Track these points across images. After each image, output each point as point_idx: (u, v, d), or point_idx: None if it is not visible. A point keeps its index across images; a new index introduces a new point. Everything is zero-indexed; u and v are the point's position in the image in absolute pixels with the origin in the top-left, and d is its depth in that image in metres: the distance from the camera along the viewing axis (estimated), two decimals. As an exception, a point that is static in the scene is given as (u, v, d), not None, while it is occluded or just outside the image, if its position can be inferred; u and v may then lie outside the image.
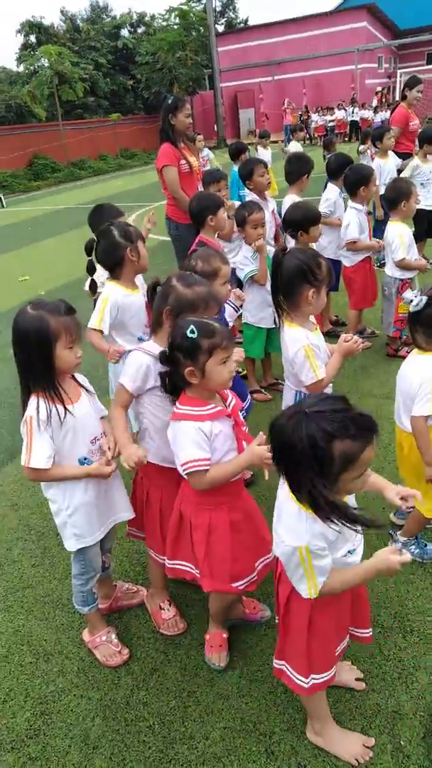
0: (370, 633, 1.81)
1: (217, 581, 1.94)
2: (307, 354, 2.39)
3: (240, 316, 3.74)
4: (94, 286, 3.10)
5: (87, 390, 2.07)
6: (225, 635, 2.19)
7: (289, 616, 1.67)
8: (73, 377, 2.04)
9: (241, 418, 1.96)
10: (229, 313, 2.92)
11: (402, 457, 2.46)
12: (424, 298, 2.18)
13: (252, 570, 1.99)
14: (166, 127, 4.85)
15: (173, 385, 1.91)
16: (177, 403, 1.88)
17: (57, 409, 1.89)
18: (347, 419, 1.33)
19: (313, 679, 1.67)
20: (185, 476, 1.84)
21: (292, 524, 1.48)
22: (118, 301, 2.73)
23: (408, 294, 2.46)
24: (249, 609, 2.31)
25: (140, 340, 2.76)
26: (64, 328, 1.85)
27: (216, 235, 3.75)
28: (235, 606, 2.25)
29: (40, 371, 1.88)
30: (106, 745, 1.91)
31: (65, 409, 1.90)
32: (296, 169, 4.59)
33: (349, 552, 1.59)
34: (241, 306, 3.07)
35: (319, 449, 1.31)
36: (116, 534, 2.30)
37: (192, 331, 1.76)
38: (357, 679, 2.02)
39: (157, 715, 1.98)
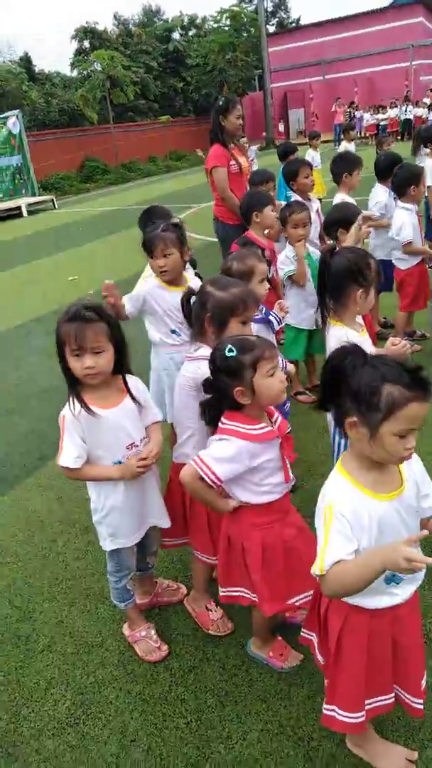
0: (421, 705, 1.61)
1: (277, 603, 1.91)
2: None
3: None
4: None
5: (134, 397, 2.01)
6: (279, 638, 2.17)
7: (326, 632, 1.63)
8: (124, 380, 2.00)
9: (287, 435, 1.92)
10: (273, 325, 2.90)
11: None
12: None
13: (312, 586, 1.95)
14: (216, 128, 4.88)
15: (214, 415, 1.86)
16: (223, 418, 1.83)
17: (87, 412, 1.88)
18: (403, 369, 1.33)
19: (336, 712, 1.59)
20: (183, 471, 1.83)
21: (328, 486, 1.47)
22: (148, 292, 2.80)
23: None
24: (289, 613, 2.28)
25: (173, 332, 2.82)
26: (67, 334, 1.81)
27: (266, 234, 3.76)
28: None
29: (64, 374, 1.90)
30: (143, 739, 1.93)
31: (90, 412, 1.88)
32: (341, 169, 4.54)
33: (393, 580, 1.49)
34: (284, 318, 3.04)
35: (369, 386, 1.32)
36: (160, 536, 2.32)
37: (230, 350, 1.74)
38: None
39: (194, 713, 1.99)
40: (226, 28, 33.71)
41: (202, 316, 2.07)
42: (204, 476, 1.77)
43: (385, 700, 1.63)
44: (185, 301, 2.19)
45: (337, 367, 1.41)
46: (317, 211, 4.76)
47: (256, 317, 2.71)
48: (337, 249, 2.47)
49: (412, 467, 1.50)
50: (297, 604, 1.93)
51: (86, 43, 34.06)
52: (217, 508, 1.91)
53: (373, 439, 1.35)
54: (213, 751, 1.86)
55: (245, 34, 33.11)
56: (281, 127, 31.02)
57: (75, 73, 33.56)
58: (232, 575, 1.96)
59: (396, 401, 1.30)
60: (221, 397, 1.83)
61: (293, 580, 1.90)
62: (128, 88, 29.80)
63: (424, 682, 1.64)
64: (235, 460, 1.78)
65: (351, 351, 1.41)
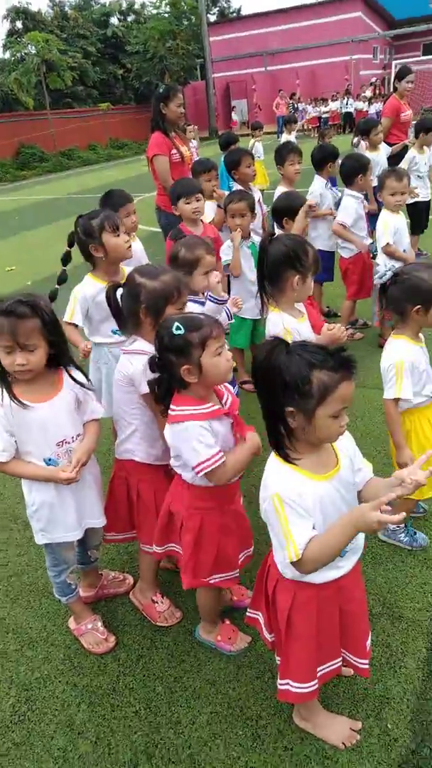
0: (367, 665, 1.73)
1: (197, 579, 1.95)
2: (285, 338, 2.42)
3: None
4: (62, 278, 2.91)
5: (78, 389, 1.98)
6: (228, 622, 2.21)
7: (274, 611, 1.68)
8: (67, 371, 1.95)
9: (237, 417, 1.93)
10: (222, 319, 2.91)
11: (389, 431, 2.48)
12: (390, 272, 2.20)
13: (234, 567, 2.01)
14: (156, 117, 4.85)
15: (166, 391, 1.86)
16: (171, 405, 1.83)
17: (17, 404, 1.84)
18: (327, 354, 1.40)
19: (290, 685, 1.66)
20: (204, 476, 1.78)
21: (268, 476, 1.51)
22: (87, 294, 2.70)
23: (379, 267, 2.49)
24: (237, 596, 2.33)
25: (114, 333, 2.72)
26: None
27: (210, 222, 3.77)
28: (222, 594, 2.27)
29: None
30: (91, 731, 1.92)
31: (21, 404, 1.85)
32: (279, 161, 4.63)
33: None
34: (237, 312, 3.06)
35: (299, 376, 1.37)
36: (101, 531, 2.30)
37: (178, 328, 1.73)
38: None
39: (143, 701, 2.00)
40: (166, 15, 33.41)
41: (135, 309, 2.03)
42: (216, 464, 1.74)
43: (334, 664, 1.72)
44: (111, 295, 2.14)
45: (264, 362, 1.44)
46: (258, 201, 4.83)
47: (200, 300, 2.72)
48: (275, 236, 2.53)
49: (345, 444, 1.57)
50: (214, 582, 1.97)
51: (19, 24, 32.95)
52: (249, 459, 1.86)
53: (309, 424, 1.41)
54: (162, 737, 1.88)
55: (186, 22, 32.92)
56: (234, 116, 30.92)
57: (8, 55, 32.40)
58: (169, 536, 2.01)
59: (327, 386, 1.37)
60: (168, 376, 1.83)
61: (220, 562, 1.95)
62: (65, 73, 29.09)
63: (368, 643, 1.74)
64: (207, 437, 1.75)
65: (273, 344, 1.45)
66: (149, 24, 33.83)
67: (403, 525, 2.59)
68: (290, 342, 1.48)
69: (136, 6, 40.12)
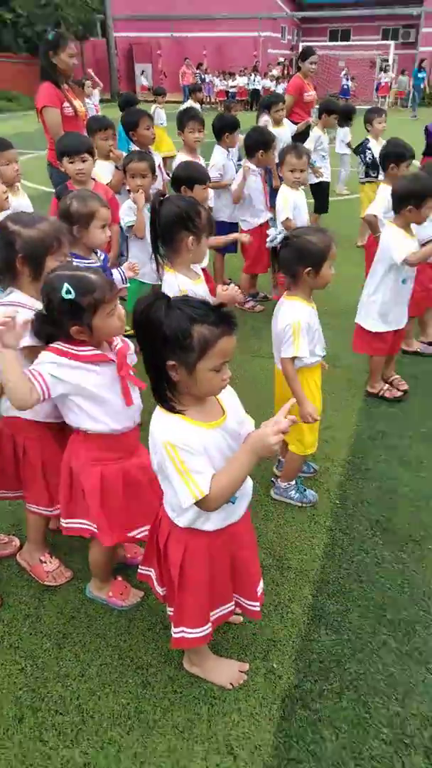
0: (258, 608, 1.86)
1: (116, 534, 1.97)
2: None
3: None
4: None
5: None
6: (120, 578, 2.24)
7: (166, 563, 1.74)
8: None
9: (130, 360, 1.94)
10: (117, 280, 2.89)
11: (278, 396, 2.62)
12: (281, 236, 2.32)
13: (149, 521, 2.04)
14: (46, 65, 4.62)
15: (48, 334, 1.84)
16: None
17: None
18: (208, 309, 1.44)
19: (185, 632, 1.74)
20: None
21: (155, 427, 1.54)
22: None
23: (270, 231, 2.62)
24: (130, 553, 2.38)
25: None
26: None
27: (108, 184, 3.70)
28: (116, 551, 2.30)
29: None
30: (-29, 691, 1.89)
31: None
32: (179, 126, 4.64)
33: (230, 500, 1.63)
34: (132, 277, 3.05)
35: (179, 329, 1.41)
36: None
37: (68, 291, 1.72)
38: (234, 614, 2.16)
39: (29, 658, 2.00)
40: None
41: (11, 258, 1.97)
42: (33, 379, 1.75)
43: (226, 608, 1.82)
44: None
45: (143, 315, 1.45)
46: (159, 166, 4.80)
47: (92, 263, 2.68)
48: (166, 196, 2.56)
49: (228, 398, 1.64)
50: (138, 536, 2.02)
51: None
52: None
53: (191, 377, 1.46)
54: (50, 690, 1.89)
55: (84, -30, 31.48)
56: (143, 80, 29.92)
57: None
58: (75, 508, 1.99)
59: (207, 340, 1.42)
60: (55, 329, 1.82)
61: (132, 513, 1.98)
62: None
63: (259, 588, 1.85)
64: (58, 363, 1.78)
65: (154, 297, 1.46)
66: (43, -35, 31.95)
67: (293, 482, 2.76)
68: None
69: None
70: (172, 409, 1.52)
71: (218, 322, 1.43)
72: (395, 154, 4.10)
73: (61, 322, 1.78)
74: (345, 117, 8.08)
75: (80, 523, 2.00)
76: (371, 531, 2.62)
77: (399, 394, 3.63)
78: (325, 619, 2.18)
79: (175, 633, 1.77)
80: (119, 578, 2.24)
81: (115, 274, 2.89)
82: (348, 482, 2.94)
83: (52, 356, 1.80)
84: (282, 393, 2.55)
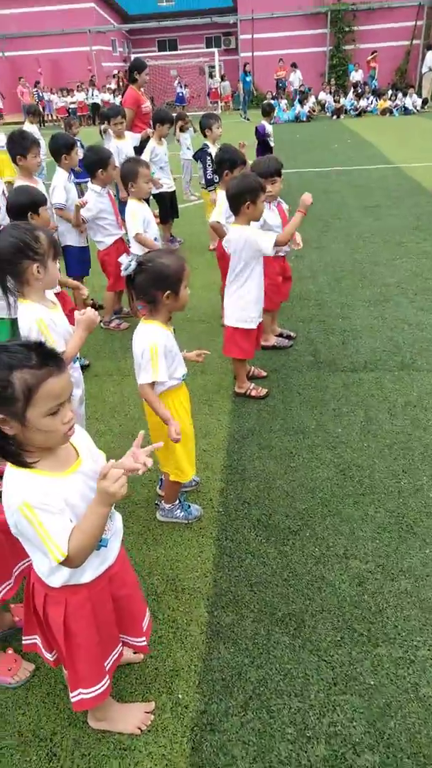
0: (145, 642, 1.76)
1: None
2: (40, 328, 2.30)
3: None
4: None
5: None
6: (10, 651, 2.03)
7: (49, 628, 1.58)
8: None
9: None
10: None
11: (150, 419, 2.51)
12: (134, 263, 2.22)
13: (9, 576, 1.87)
14: None
15: None
16: None
17: None
18: (29, 351, 1.29)
19: (81, 693, 1.61)
20: None
21: (8, 488, 1.37)
22: None
23: (122, 258, 2.50)
24: (18, 616, 2.17)
25: None
26: None
27: None
28: (0, 618, 2.09)
29: None
30: None
31: None
32: (14, 151, 4.33)
33: (101, 545, 1.51)
34: None
35: None
36: None
37: None
38: (134, 652, 2.05)
39: None
40: None
41: None
42: None
43: (116, 653, 1.70)
44: None
45: None
46: (2, 193, 4.47)
47: None
48: (1, 228, 2.35)
49: (78, 437, 1.50)
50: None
51: None
52: None
53: (28, 429, 1.30)
54: None
55: None
56: None
57: None
58: None
59: (30, 385, 1.27)
60: None
61: None
62: None
63: (145, 622, 1.76)
64: None
65: None
66: None
67: (177, 502, 2.68)
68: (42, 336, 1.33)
69: None
70: (22, 464, 1.35)
71: (41, 363, 1.28)
72: (229, 161, 4.11)
73: None
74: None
75: None
76: (254, 532, 2.61)
77: (264, 392, 3.66)
78: (222, 633, 2.13)
79: (73, 696, 1.63)
80: (9, 650, 2.03)
81: None
82: (228, 487, 2.91)
83: None
84: (153, 418, 2.44)
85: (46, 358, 1.29)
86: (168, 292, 2.24)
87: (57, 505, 1.35)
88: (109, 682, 1.65)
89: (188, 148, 8.62)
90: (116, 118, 6.00)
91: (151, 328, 2.32)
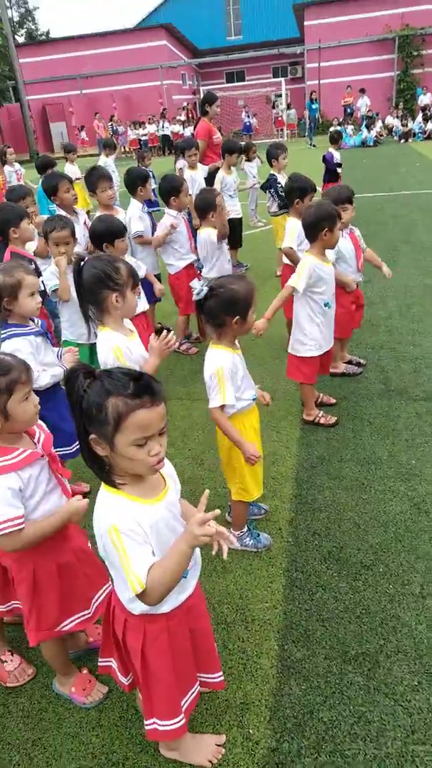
0: (221, 677, 1.76)
1: (42, 632, 1.82)
2: (116, 355, 2.37)
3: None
4: None
5: None
6: (84, 671, 2.06)
7: (127, 653, 1.60)
8: None
9: (53, 450, 1.83)
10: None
11: (220, 442, 2.53)
12: (206, 288, 2.26)
13: (87, 606, 1.90)
14: None
15: None
16: None
17: None
18: (129, 380, 1.33)
19: (157, 723, 1.60)
20: None
21: (100, 509, 1.41)
22: None
23: (194, 283, 2.55)
24: (93, 636, 2.21)
25: None
26: None
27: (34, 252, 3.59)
28: (76, 638, 2.13)
29: None
30: None
31: None
32: (90, 188, 4.54)
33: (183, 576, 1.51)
34: None
35: (93, 402, 1.31)
36: None
37: None
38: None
39: (-1, 777, 1.81)
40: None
41: None
42: (13, 529, 1.62)
43: (194, 692, 1.68)
44: None
45: (68, 389, 1.38)
46: (84, 223, 4.70)
47: (32, 330, 2.57)
48: (85, 259, 2.47)
49: (167, 467, 1.52)
50: (66, 629, 1.87)
51: None
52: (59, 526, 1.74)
53: (114, 453, 1.35)
54: None
55: (-8, 43, 31.29)
56: (83, 135, 29.14)
57: None
58: (9, 594, 1.87)
59: (120, 412, 1.30)
60: None
61: (67, 605, 1.84)
62: None
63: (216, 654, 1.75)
64: (11, 496, 1.64)
65: (78, 371, 1.37)
66: None
67: (246, 529, 2.66)
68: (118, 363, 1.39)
69: None
70: (111, 484, 1.40)
71: (137, 394, 1.32)
72: (299, 189, 4.14)
73: None
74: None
75: (16, 605, 1.88)
76: (325, 564, 2.55)
77: (333, 420, 3.60)
78: (294, 668, 2.08)
79: (147, 725, 1.63)
80: (84, 671, 2.06)
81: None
82: (298, 517, 2.86)
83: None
84: (223, 438, 2.46)
85: (144, 389, 1.32)
86: (237, 317, 2.27)
87: (143, 536, 1.38)
88: (184, 721, 1.63)
89: (254, 176, 8.75)
90: (190, 150, 6.22)
91: (218, 352, 2.35)
